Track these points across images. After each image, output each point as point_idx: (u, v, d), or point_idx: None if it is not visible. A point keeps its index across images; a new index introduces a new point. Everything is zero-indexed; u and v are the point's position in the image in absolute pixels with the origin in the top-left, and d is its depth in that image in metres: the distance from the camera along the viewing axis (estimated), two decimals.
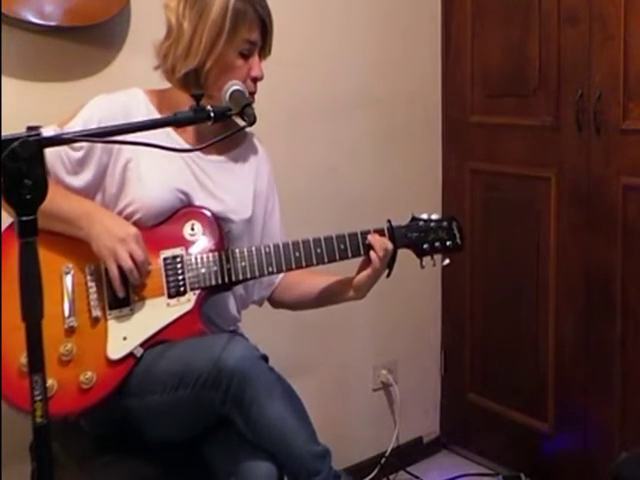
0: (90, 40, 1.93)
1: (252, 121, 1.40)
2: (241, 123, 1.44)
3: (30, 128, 1.06)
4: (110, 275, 1.49)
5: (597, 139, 2.28)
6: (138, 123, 1.31)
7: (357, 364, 2.64)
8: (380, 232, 1.65)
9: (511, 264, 2.61)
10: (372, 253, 1.62)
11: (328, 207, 2.41)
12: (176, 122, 1.30)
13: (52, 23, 1.80)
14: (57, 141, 1.21)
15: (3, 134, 1.03)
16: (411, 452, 2.77)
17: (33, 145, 1.03)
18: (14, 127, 1.10)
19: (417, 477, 2.68)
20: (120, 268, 1.48)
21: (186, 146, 1.63)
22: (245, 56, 1.60)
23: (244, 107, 1.41)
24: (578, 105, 2.30)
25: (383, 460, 2.66)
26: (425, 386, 2.86)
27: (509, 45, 2.51)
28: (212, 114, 1.32)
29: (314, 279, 1.75)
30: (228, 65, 1.58)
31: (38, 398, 1.04)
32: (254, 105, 1.44)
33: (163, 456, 1.54)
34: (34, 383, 1.04)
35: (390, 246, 1.63)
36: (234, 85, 1.51)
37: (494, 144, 2.62)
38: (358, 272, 1.65)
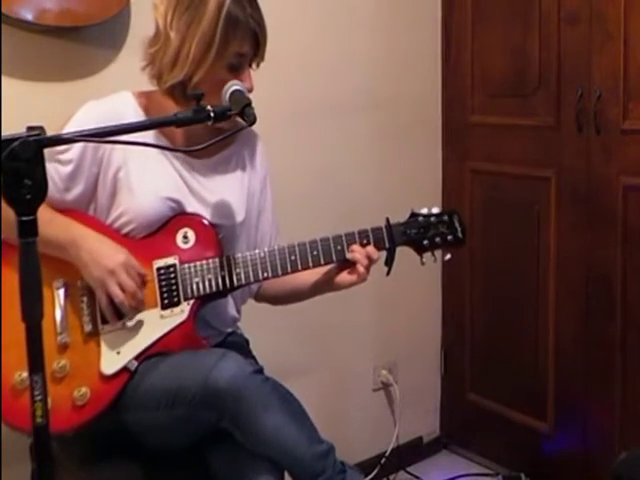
0: (90, 40, 1.93)
1: (252, 121, 1.39)
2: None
3: (30, 128, 1.06)
4: (101, 306, 1.47)
5: (597, 139, 2.28)
6: (138, 123, 1.31)
7: (357, 364, 2.64)
8: (378, 230, 1.63)
9: (511, 264, 2.61)
10: (358, 266, 1.57)
11: (329, 207, 2.41)
12: (176, 122, 1.30)
13: (52, 23, 1.80)
14: (57, 141, 1.21)
15: (3, 134, 1.03)
16: (411, 452, 2.77)
17: (33, 145, 1.03)
18: (14, 127, 1.10)
19: (417, 477, 2.68)
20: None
21: None
22: (235, 69, 1.52)
23: (244, 107, 1.39)
24: (578, 105, 2.30)
25: (383, 460, 2.66)
26: (425, 386, 2.85)
27: (509, 45, 2.51)
28: (212, 114, 1.32)
29: (295, 276, 1.68)
30: (216, 79, 1.50)
31: (38, 398, 1.04)
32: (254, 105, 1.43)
33: (163, 458, 1.54)
34: (34, 383, 1.04)
35: (376, 256, 1.59)
36: (234, 85, 1.48)
37: (494, 144, 2.62)
38: (341, 270, 1.62)
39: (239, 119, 1.42)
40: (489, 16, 2.57)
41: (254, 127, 1.44)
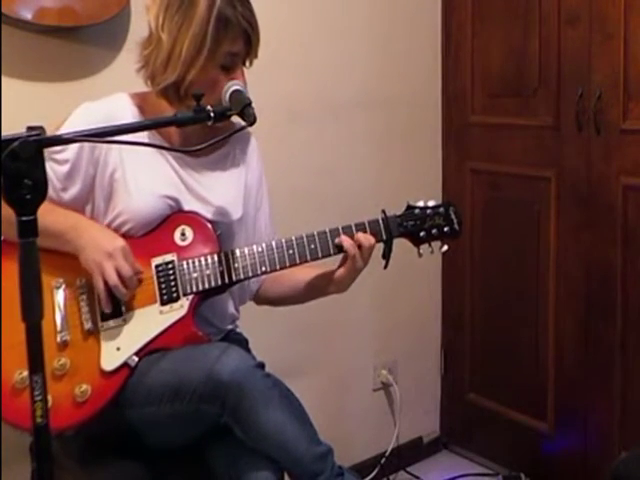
0: (90, 40, 1.93)
1: (252, 121, 1.39)
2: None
3: (30, 128, 1.06)
4: (96, 289, 1.47)
5: (597, 139, 2.28)
6: (139, 123, 1.31)
7: (357, 364, 2.64)
8: (374, 222, 1.62)
9: (511, 264, 2.61)
10: (348, 254, 1.57)
11: (328, 208, 2.41)
12: (177, 122, 1.30)
13: (52, 23, 1.80)
14: (57, 141, 1.21)
15: (3, 134, 1.03)
16: (411, 452, 2.77)
17: (33, 145, 1.03)
18: (14, 127, 1.10)
19: (417, 477, 2.69)
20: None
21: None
22: (227, 68, 1.52)
23: (244, 107, 1.39)
24: (578, 105, 2.30)
25: (383, 460, 2.66)
26: (425, 386, 2.86)
27: (509, 45, 2.51)
28: (212, 114, 1.32)
29: (295, 274, 1.70)
30: (209, 79, 1.51)
31: (38, 398, 1.04)
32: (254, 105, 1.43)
33: (164, 457, 1.54)
34: (34, 383, 1.04)
35: (367, 243, 1.58)
36: (234, 85, 1.48)
37: (494, 144, 2.62)
38: (340, 266, 1.62)
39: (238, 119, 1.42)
40: (489, 16, 2.57)
41: (254, 126, 1.44)
